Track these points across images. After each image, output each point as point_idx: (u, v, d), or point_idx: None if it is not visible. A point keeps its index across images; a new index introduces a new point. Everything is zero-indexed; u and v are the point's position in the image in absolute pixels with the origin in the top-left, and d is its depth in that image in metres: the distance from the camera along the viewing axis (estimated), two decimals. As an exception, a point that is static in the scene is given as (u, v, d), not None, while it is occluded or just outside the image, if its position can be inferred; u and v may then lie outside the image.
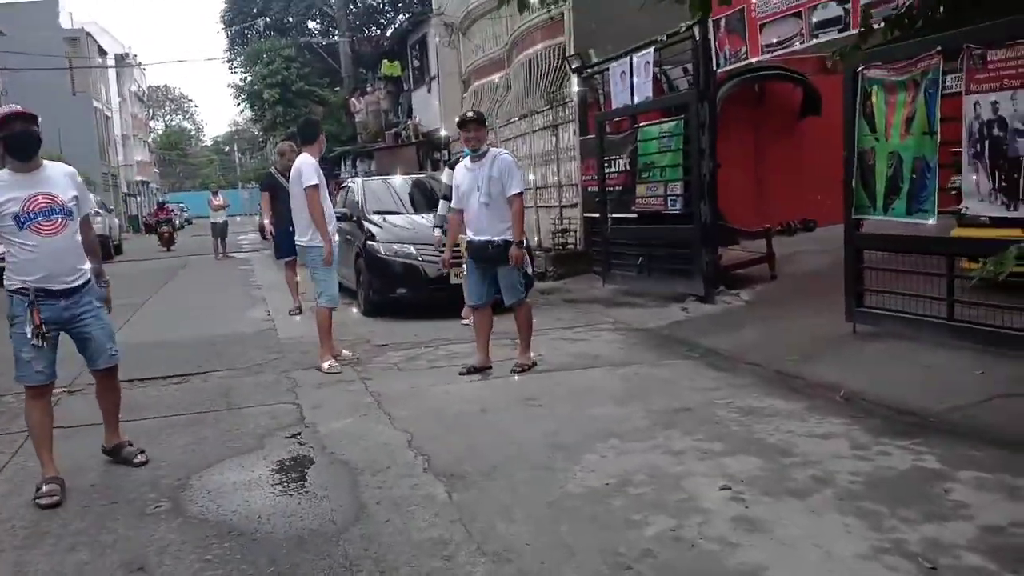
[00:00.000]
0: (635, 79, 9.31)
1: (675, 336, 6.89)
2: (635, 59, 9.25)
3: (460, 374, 5.83)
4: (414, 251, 8.43)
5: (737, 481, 3.48)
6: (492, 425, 4.58)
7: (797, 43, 6.67)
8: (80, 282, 3.98)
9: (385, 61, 21.56)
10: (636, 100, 9.29)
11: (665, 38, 8.70)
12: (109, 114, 49.59)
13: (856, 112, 5.94)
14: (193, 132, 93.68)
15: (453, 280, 8.26)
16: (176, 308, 10.72)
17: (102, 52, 47.88)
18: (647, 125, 9.27)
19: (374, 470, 3.92)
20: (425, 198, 10.24)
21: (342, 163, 22.49)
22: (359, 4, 28.89)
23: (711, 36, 7.73)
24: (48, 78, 36.51)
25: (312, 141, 6.39)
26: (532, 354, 5.97)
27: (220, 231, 19.85)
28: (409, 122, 20.14)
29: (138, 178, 58.75)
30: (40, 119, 4.02)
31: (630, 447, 4.04)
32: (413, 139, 19.19)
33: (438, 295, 8.37)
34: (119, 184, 49.77)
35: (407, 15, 21.98)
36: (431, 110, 19.55)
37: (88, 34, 45.26)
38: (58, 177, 3.99)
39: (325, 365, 6.10)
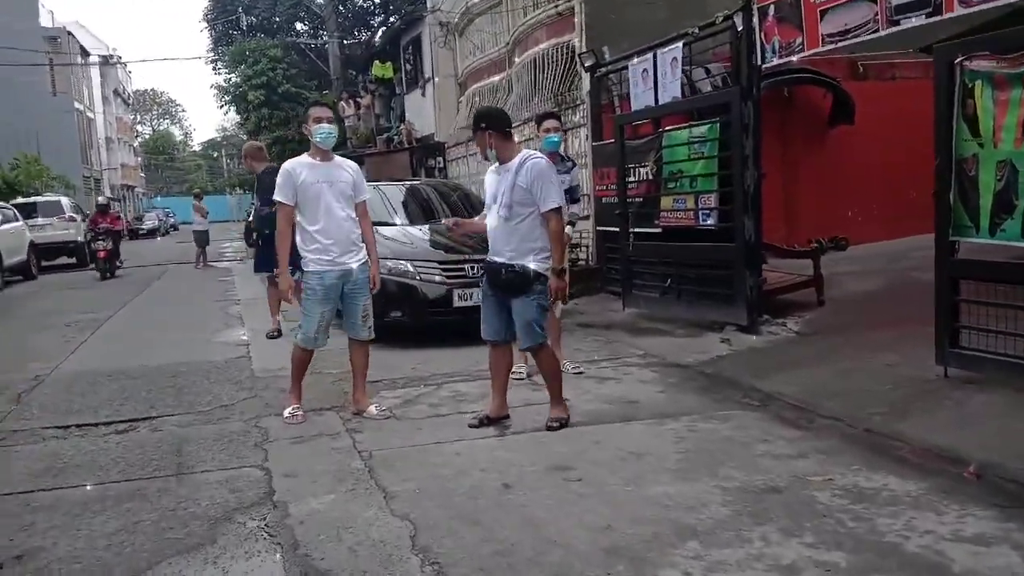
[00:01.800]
0: (660, 78, 8.26)
1: (723, 375, 5.81)
2: (660, 55, 8.21)
3: (471, 426, 4.74)
4: (411, 268, 7.33)
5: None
6: (520, 511, 3.46)
7: (870, 31, 5.62)
8: None
9: (376, 62, 20.45)
10: (662, 101, 8.24)
11: (697, 30, 7.66)
12: (92, 116, 48.27)
13: (954, 113, 4.90)
14: (181, 137, 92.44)
15: (457, 302, 7.18)
16: (142, 327, 9.53)
17: (85, 53, 46.57)
18: (674, 129, 8.22)
19: (365, 590, 2.81)
20: (421, 207, 9.17)
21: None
22: (349, 5, 27.80)
23: (756, 25, 6.69)
24: (26, 77, 35.25)
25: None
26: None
27: (202, 239, 18.68)
28: (402, 127, 19.06)
29: (123, 182, 57.41)
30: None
31: (720, 556, 2.94)
32: (406, 144, 18.10)
33: (439, 320, 7.28)
34: (102, 188, 48.41)
35: (399, 16, 20.91)
36: (425, 114, 18.50)
37: (70, 33, 43.96)
38: None
39: (285, 413, 5.03)
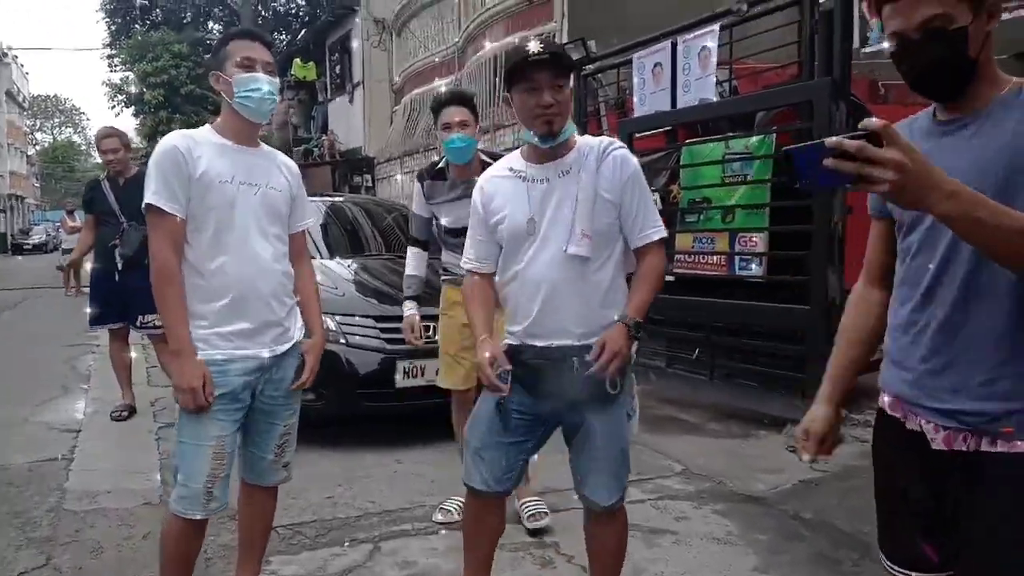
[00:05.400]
0: (682, 74, 6.17)
1: (837, 527, 3.60)
2: (683, 44, 6.12)
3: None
4: (332, 326, 4.90)
5: None
6: None
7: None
8: None
9: (297, 61, 17.87)
10: (685, 103, 6.12)
11: (745, 8, 5.57)
12: (-26, 117, 43.64)
13: None
14: (83, 147, 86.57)
15: (402, 381, 4.79)
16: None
17: (-30, 47, 42.12)
18: (700, 142, 6.12)
19: None
20: (346, 234, 6.79)
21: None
22: (270, 4, 25.15)
23: (857, -6, 4.64)
24: None
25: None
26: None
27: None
28: (324, 138, 16.53)
29: (11, 191, 52.39)
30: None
31: None
32: (328, 158, 15.59)
33: (375, 407, 4.88)
34: (-18, 196, 43.74)
35: (327, 16, 18.41)
36: (353, 124, 16.05)
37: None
38: None
39: None
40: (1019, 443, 1.46)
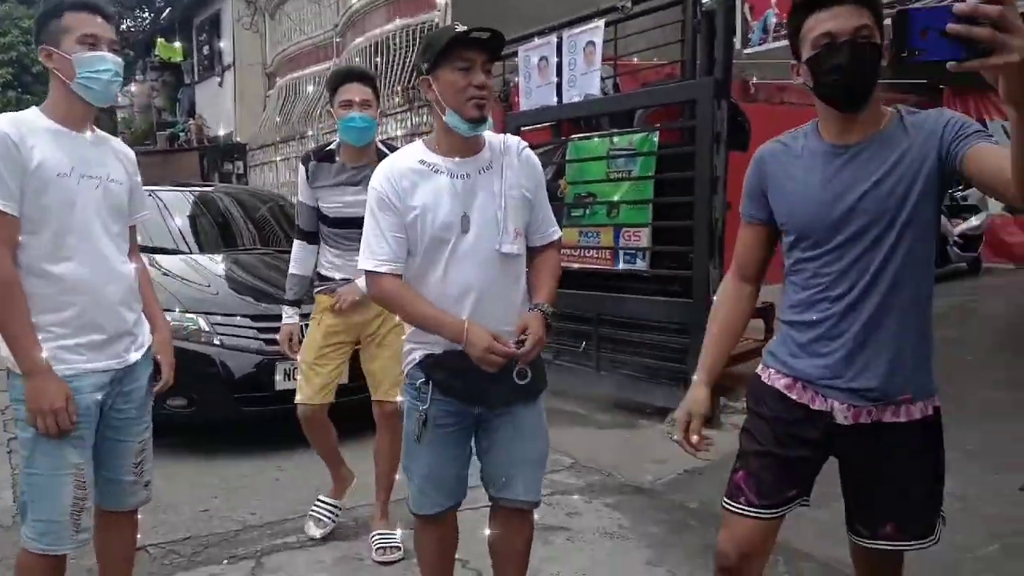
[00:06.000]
0: (568, 69, 6.18)
1: (718, 513, 3.68)
2: (569, 38, 6.12)
3: None
4: (206, 326, 4.62)
5: None
6: None
7: None
8: None
9: (161, 40, 16.83)
10: (568, 99, 6.14)
11: (630, 4, 5.62)
12: None
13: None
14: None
15: (282, 383, 4.57)
16: None
17: None
18: (585, 138, 6.16)
19: None
20: (217, 226, 6.42)
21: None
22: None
23: (738, -5, 4.75)
24: None
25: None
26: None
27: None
28: (191, 122, 15.69)
29: None
30: None
31: None
32: (196, 144, 14.81)
33: (252, 412, 4.63)
34: None
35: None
36: (222, 108, 15.28)
37: None
38: None
39: None
40: (915, 410, 1.82)
